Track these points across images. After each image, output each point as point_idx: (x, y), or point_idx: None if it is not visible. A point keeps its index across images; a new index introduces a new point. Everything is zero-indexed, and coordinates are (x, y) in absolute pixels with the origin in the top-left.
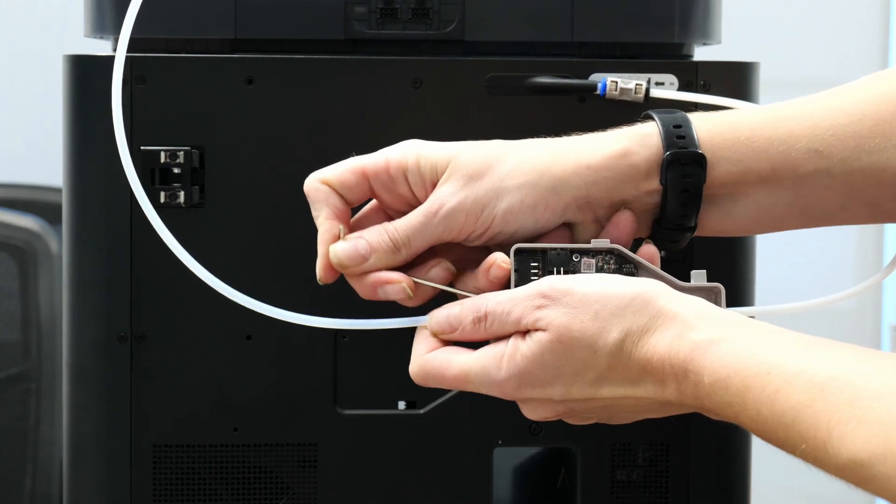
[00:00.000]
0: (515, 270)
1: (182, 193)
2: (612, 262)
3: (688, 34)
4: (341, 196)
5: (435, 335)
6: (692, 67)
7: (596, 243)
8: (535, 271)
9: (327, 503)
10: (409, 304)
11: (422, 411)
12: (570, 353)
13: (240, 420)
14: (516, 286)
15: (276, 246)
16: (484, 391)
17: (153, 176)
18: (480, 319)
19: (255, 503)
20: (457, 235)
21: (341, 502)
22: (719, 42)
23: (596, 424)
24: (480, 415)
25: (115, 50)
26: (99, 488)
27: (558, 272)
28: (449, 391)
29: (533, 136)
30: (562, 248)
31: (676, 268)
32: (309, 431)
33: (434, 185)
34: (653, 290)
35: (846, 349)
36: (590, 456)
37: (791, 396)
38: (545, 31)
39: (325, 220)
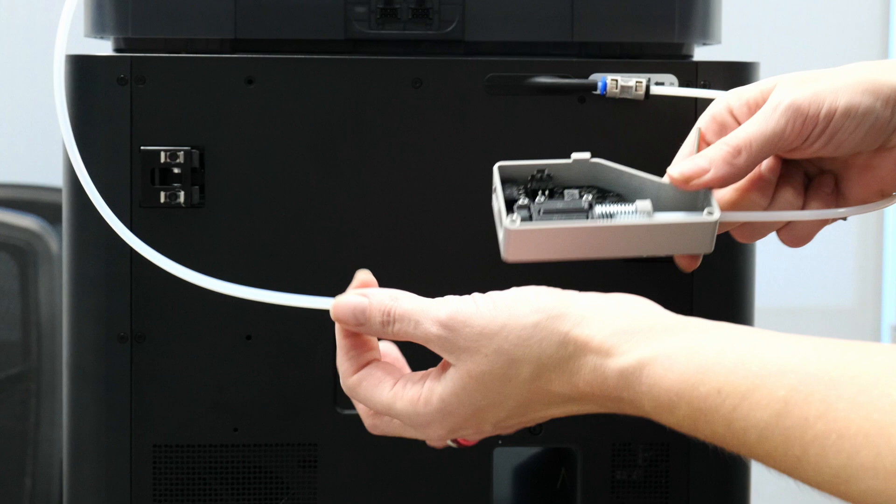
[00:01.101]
0: (495, 190)
1: (182, 193)
2: (593, 192)
3: (688, 34)
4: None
5: (338, 322)
6: (692, 67)
7: (576, 156)
8: (520, 194)
9: (327, 503)
10: (742, 240)
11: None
12: (483, 388)
13: (240, 420)
14: (501, 208)
15: (276, 246)
16: (410, 435)
17: (153, 176)
18: (388, 323)
19: (255, 503)
20: (798, 134)
21: (341, 502)
22: (719, 42)
23: (596, 423)
24: None
25: (115, 50)
26: (99, 488)
27: (542, 195)
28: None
29: (533, 136)
30: (542, 165)
31: (676, 267)
32: (309, 431)
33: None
34: (556, 313)
35: (792, 343)
36: (590, 456)
37: (751, 416)
38: (545, 31)
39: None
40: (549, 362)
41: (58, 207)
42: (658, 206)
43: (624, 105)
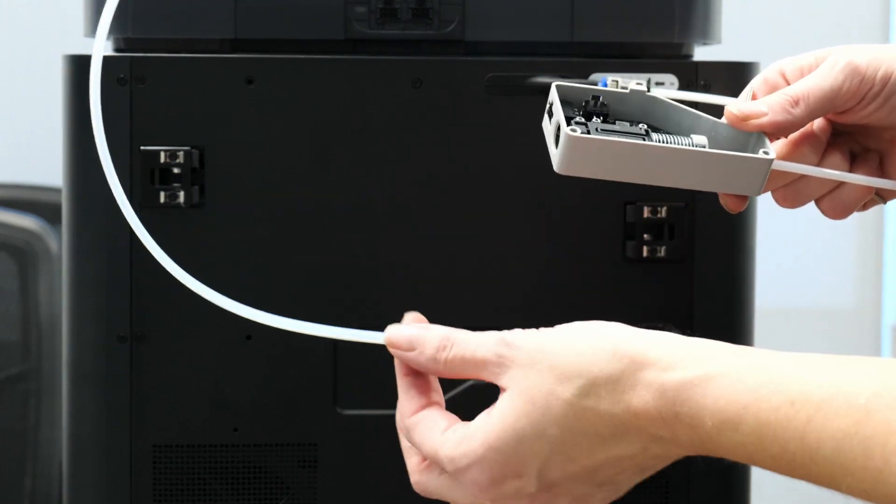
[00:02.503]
0: (551, 104)
1: (182, 193)
2: (646, 126)
3: (688, 34)
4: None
5: (390, 348)
6: (692, 67)
7: (633, 86)
8: (572, 115)
9: (327, 503)
10: (783, 203)
11: None
12: (529, 406)
13: (240, 420)
14: (560, 119)
15: (275, 246)
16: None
17: (153, 176)
18: (444, 348)
19: (255, 503)
20: (854, 94)
21: (341, 502)
22: (719, 42)
23: None
24: None
25: (115, 50)
26: (99, 488)
27: (597, 119)
28: (450, 390)
29: (532, 137)
30: (598, 91)
31: (676, 267)
32: (309, 431)
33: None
34: (614, 336)
35: (867, 362)
36: None
37: (828, 425)
38: (545, 31)
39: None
40: (601, 376)
41: (58, 207)
42: (712, 146)
43: None
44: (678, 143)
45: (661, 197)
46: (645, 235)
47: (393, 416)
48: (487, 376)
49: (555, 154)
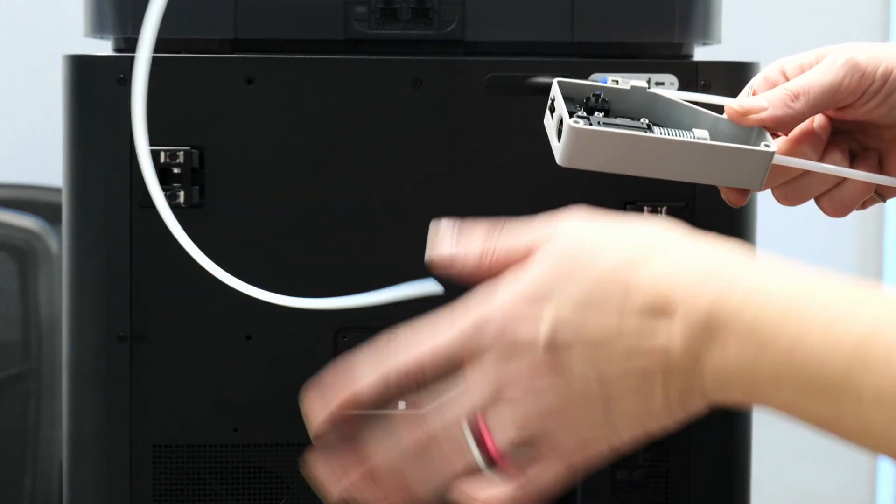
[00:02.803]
0: (553, 100)
1: (182, 193)
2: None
3: (688, 34)
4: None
5: (435, 269)
6: (692, 67)
7: (634, 83)
8: (574, 110)
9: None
10: (783, 201)
11: (422, 411)
12: (562, 259)
13: (240, 420)
14: (563, 113)
15: (275, 246)
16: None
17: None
18: (485, 255)
19: (255, 503)
20: (854, 90)
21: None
22: (719, 42)
23: None
24: None
25: (115, 50)
26: (99, 488)
27: (599, 114)
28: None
29: (533, 137)
30: (599, 88)
31: None
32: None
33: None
34: (665, 236)
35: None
36: None
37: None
38: (545, 31)
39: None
40: (643, 249)
41: (58, 207)
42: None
43: None
44: (680, 136)
45: (661, 196)
46: None
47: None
48: (532, 248)
49: (557, 147)
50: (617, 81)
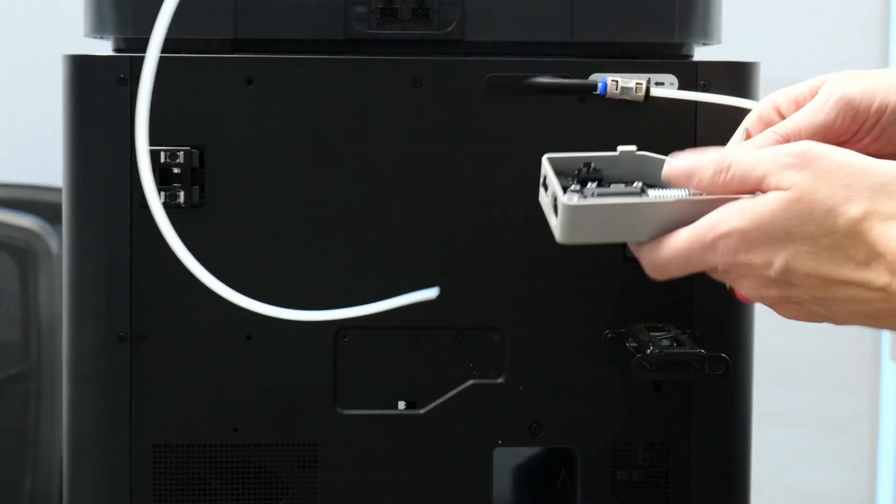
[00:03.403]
0: (545, 177)
1: (182, 193)
2: (640, 184)
3: (688, 34)
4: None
5: (668, 182)
6: (692, 67)
7: (622, 148)
8: (567, 184)
9: (327, 503)
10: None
11: (422, 411)
12: (807, 214)
13: (240, 420)
14: (556, 190)
15: (276, 246)
16: (696, 258)
17: (153, 176)
18: (721, 171)
19: (255, 503)
20: (848, 128)
21: (341, 502)
22: (719, 42)
23: (596, 423)
24: (480, 415)
25: (115, 50)
26: (99, 488)
27: (592, 184)
28: (448, 392)
29: (533, 137)
30: (589, 158)
31: None
32: (309, 431)
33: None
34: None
35: None
36: (590, 456)
37: None
38: (545, 31)
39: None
40: (884, 213)
41: (58, 207)
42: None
43: (624, 106)
44: (676, 193)
45: None
46: None
47: (393, 416)
48: (766, 187)
49: (555, 225)
50: (617, 80)
